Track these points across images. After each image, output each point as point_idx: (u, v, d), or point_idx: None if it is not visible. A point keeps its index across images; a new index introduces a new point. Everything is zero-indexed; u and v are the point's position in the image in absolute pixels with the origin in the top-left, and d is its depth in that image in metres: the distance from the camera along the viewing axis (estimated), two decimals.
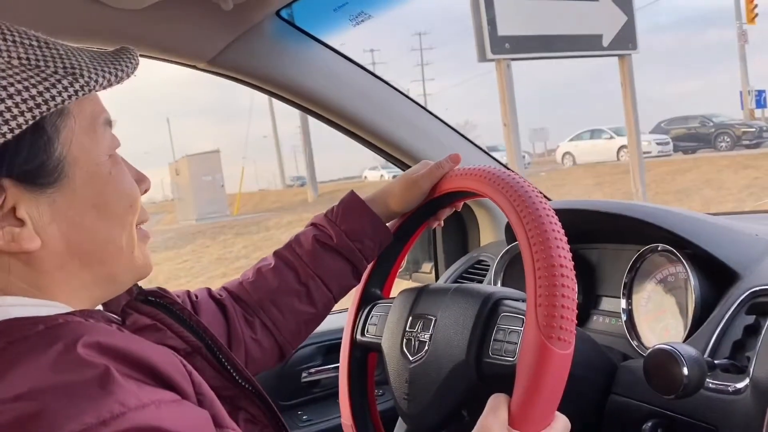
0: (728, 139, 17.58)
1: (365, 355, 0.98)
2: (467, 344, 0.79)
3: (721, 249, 0.90)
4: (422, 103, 1.45)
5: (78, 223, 0.57)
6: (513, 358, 0.74)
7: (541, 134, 29.05)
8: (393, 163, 1.45)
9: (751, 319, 0.81)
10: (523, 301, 0.79)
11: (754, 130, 17.82)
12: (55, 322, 0.52)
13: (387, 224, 0.95)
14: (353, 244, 0.92)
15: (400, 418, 0.89)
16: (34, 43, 0.56)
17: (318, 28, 1.22)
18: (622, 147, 15.98)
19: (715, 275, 0.89)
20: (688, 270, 0.90)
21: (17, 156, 0.53)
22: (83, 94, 0.55)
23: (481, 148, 1.49)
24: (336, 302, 0.95)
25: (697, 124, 18.00)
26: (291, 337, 0.92)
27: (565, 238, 0.70)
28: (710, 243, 0.91)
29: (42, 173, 0.55)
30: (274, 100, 1.30)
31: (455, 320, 0.83)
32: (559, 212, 0.75)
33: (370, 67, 1.45)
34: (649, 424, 0.80)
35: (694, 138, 17.79)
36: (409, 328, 0.88)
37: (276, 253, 0.94)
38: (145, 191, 0.67)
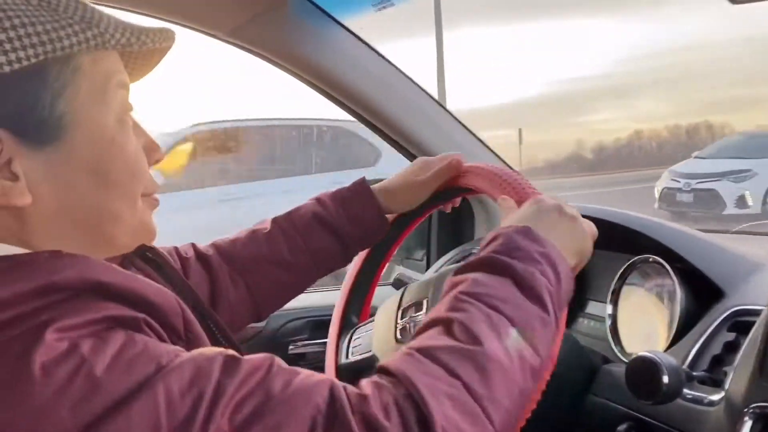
0: None
1: (353, 381, 0.96)
2: None
3: (710, 266, 0.93)
4: None
5: (72, 186, 0.56)
6: None
7: None
8: (400, 152, 1.46)
9: (731, 336, 0.84)
10: None
11: None
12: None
13: None
14: (351, 228, 0.93)
15: None
16: None
17: (339, 10, 1.23)
18: None
19: (702, 290, 0.92)
20: (676, 283, 0.93)
21: (17, 105, 0.52)
22: (94, 44, 0.54)
23: (489, 148, 1.50)
24: (318, 278, 0.96)
25: None
26: (269, 302, 0.94)
27: None
28: (700, 259, 0.94)
29: (40, 129, 0.53)
30: None
31: None
32: None
33: None
34: (624, 426, 0.84)
35: None
36: (401, 319, 0.89)
37: (274, 220, 0.95)
38: (156, 162, 0.64)
